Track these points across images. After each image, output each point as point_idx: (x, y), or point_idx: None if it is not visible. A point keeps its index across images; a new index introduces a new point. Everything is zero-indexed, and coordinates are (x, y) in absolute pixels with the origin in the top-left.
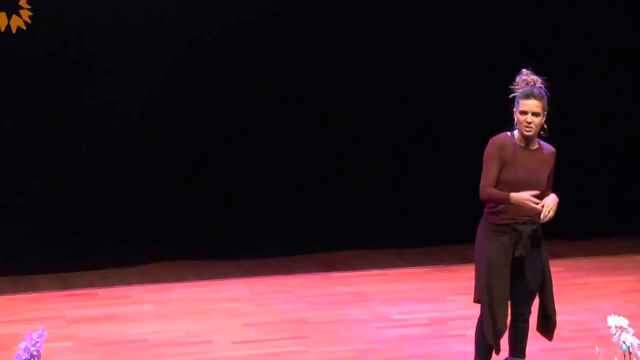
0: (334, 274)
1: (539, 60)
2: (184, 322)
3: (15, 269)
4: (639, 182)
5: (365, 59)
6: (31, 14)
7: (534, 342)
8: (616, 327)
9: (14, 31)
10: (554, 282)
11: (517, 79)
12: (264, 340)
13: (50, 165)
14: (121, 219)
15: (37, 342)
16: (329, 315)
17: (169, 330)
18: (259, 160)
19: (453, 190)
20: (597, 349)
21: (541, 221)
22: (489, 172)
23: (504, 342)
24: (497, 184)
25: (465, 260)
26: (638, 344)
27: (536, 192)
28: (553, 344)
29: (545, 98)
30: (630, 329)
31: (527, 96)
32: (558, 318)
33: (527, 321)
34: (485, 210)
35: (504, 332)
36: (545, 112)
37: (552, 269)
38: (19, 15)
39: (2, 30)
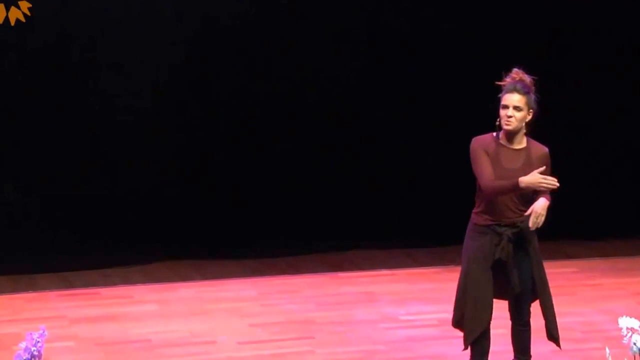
0: (341, 274)
1: (560, 58)
2: (187, 322)
3: (16, 268)
4: None
5: (374, 57)
6: (30, 5)
7: (545, 343)
8: (627, 328)
9: (12, 23)
10: (566, 282)
11: (505, 77)
12: (270, 340)
13: (51, 162)
14: (124, 218)
15: (38, 342)
16: (335, 316)
17: (172, 330)
18: (265, 158)
19: (464, 189)
20: (607, 350)
21: (530, 228)
22: (484, 168)
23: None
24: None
25: None
26: None
27: (543, 169)
28: (563, 345)
29: (531, 95)
30: None
31: (510, 90)
32: (569, 319)
33: (524, 324)
34: (473, 210)
35: (478, 332)
36: (532, 111)
37: (565, 270)
38: (18, 7)
39: (1, 22)
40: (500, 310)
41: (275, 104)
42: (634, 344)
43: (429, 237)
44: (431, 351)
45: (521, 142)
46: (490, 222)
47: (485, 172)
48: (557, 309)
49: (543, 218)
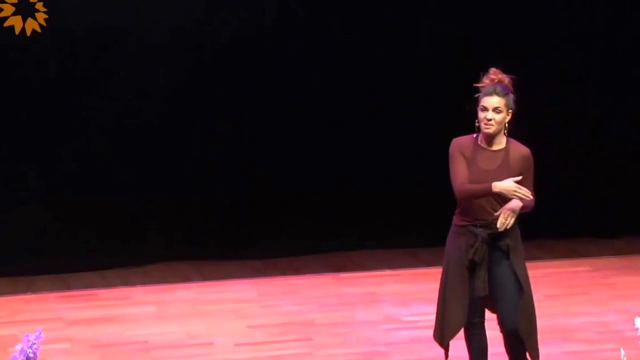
0: (343, 274)
1: (578, 54)
2: (185, 324)
3: (14, 269)
4: None
5: (373, 60)
6: (46, 16)
7: (557, 344)
8: None
9: (28, 34)
10: (580, 281)
11: (483, 77)
12: (268, 342)
13: (50, 164)
14: (122, 218)
15: (34, 343)
16: (336, 317)
17: (169, 332)
18: (265, 158)
19: None
20: (622, 351)
21: (498, 229)
22: (458, 170)
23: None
24: None
25: None
26: None
27: (518, 178)
28: (577, 346)
29: (510, 96)
30: None
31: (489, 93)
32: (583, 319)
33: (475, 327)
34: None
35: (454, 334)
36: (511, 112)
37: (578, 269)
38: (35, 18)
39: (17, 33)
40: None
41: (276, 104)
42: None
43: (434, 236)
44: (434, 353)
45: (500, 143)
46: (467, 223)
47: (458, 175)
48: (570, 308)
49: (512, 219)
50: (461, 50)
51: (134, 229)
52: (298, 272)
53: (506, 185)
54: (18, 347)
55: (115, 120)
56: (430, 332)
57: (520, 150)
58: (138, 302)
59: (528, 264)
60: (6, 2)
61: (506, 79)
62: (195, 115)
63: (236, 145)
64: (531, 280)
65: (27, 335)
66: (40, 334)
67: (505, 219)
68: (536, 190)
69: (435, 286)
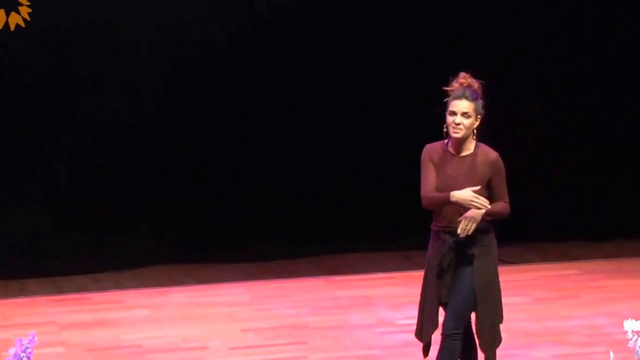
0: (337, 278)
1: (571, 55)
2: (179, 328)
3: (6, 272)
4: None
5: (367, 60)
6: (30, 10)
7: (547, 347)
8: (633, 331)
9: (12, 28)
10: (570, 285)
11: (453, 81)
12: (262, 345)
13: (41, 166)
14: (114, 221)
15: (28, 347)
16: (330, 320)
17: (163, 335)
18: (259, 160)
19: None
20: (611, 354)
21: (459, 235)
22: (426, 177)
23: None
24: None
25: None
26: None
27: (477, 188)
28: (567, 349)
29: (479, 102)
30: None
31: (458, 97)
32: (573, 323)
33: (449, 337)
34: None
35: (430, 332)
36: (479, 117)
37: (568, 272)
38: (18, 12)
39: (0, 28)
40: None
41: (269, 104)
42: None
43: (427, 239)
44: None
45: (469, 149)
46: (438, 228)
47: (425, 182)
48: (560, 311)
49: (473, 225)
50: (458, 51)
51: (126, 232)
52: (292, 275)
53: (463, 195)
54: (11, 351)
55: (105, 120)
56: None
57: (488, 155)
58: (132, 306)
59: (519, 268)
60: None
61: (475, 83)
62: (187, 116)
63: (229, 146)
64: (521, 283)
65: (21, 339)
66: (33, 338)
67: (465, 225)
68: (529, 194)
69: None
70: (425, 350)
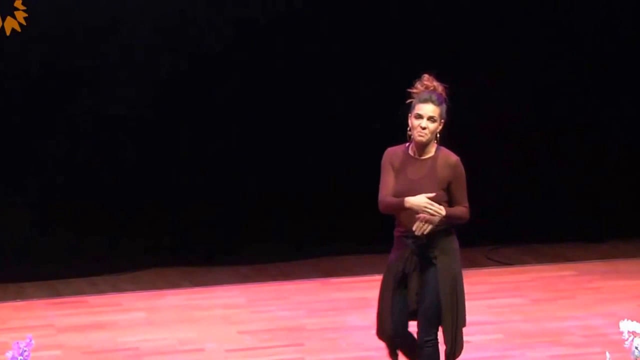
0: (333, 280)
1: (570, 54)
2: (176, 330)
3: (3, 276)
4: None
5: (365, 64)
6: (26, 15)
7: (543, 348)
8: (629, 332)
9: (8, 33)
10: (566, 286)
11: (417, 84)
12: (259, 347)
13: (37, 170)
14: (111, 224)
15: (25, 351)
16: (327, 322)
17: (160, 338)
18: (254, 163)
19: None
20: (607, 355)
21: (415, 233)
22: (385, 182)
23: None
24: None
25: (472, 264)
26: None
27: (432, 195)
28: (563, 349)
29: (444, 106)
30: None
31: (425, 100)
32: (568, 324)
33: (429, 342)
34: None
35: (391, 337)
36: (443, 121)
37: (564, 273)
38: (14, 17)
39: None
40: (496, 315)
41: (264, 107)
42: (636, 348)
43: None
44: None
45: (429, 152)
46: (399, 234)
47: (382, 187)
48: (556, 312)
49: (429, 226)
50: (455, 53)
51: (123, 235)
52: (288, 278)
53: (417, 200)
54: (9, 354)
55: (101, 124)
56: None
57: (448, 158)
58: (128, 309)
59: (515, 269)
60: None
61: (440, 87)
62: (183, 120)
63: (225, 150)
64: (518, 284)
65: (18, 343)
66: (30, 341)
67: (422, 224)
68: (524, 195)
69: None
70: (392, 354)
